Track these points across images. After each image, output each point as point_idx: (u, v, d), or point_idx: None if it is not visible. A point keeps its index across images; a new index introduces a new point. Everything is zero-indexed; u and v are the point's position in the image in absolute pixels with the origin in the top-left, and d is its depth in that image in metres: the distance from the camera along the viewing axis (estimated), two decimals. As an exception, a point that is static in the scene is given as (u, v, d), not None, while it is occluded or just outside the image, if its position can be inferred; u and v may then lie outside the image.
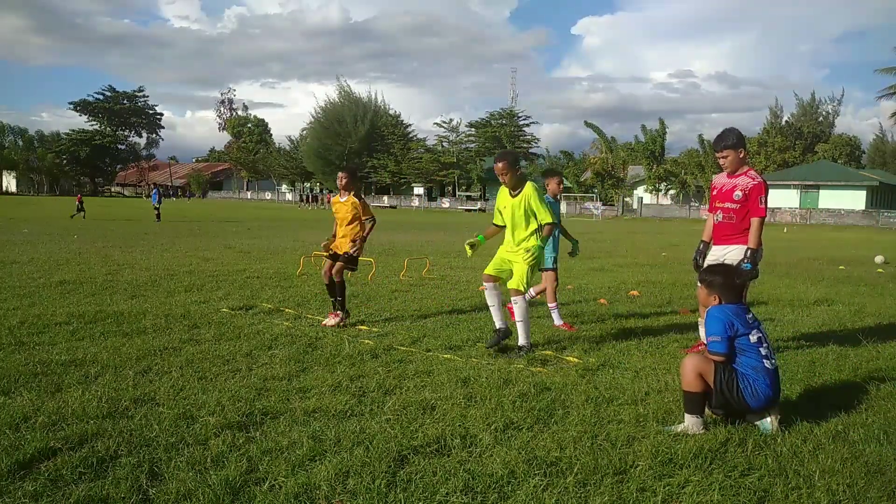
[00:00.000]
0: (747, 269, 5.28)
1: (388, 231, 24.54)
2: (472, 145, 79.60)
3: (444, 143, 76.72)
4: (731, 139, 5.51)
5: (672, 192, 65.23)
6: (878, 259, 16.33)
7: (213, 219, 33.24)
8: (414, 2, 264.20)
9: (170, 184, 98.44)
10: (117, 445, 3.52)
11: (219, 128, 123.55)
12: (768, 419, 3.92)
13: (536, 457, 3.48)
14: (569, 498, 3.07)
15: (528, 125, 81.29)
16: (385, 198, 78.61)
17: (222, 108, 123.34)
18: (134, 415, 4.01)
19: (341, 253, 7.20)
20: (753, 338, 3.98)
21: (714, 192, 5.75)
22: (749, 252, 5.38)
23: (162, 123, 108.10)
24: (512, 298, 5.95)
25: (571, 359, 5.63)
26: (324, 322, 6.98)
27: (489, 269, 6.06)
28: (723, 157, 5.56)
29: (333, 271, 7.14)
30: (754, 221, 5.42)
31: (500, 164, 5.99)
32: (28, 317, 6.85)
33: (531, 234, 5.95)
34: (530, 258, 5.88)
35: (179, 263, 12.14)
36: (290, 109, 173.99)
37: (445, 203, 72.98)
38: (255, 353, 5.61)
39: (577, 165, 71.14)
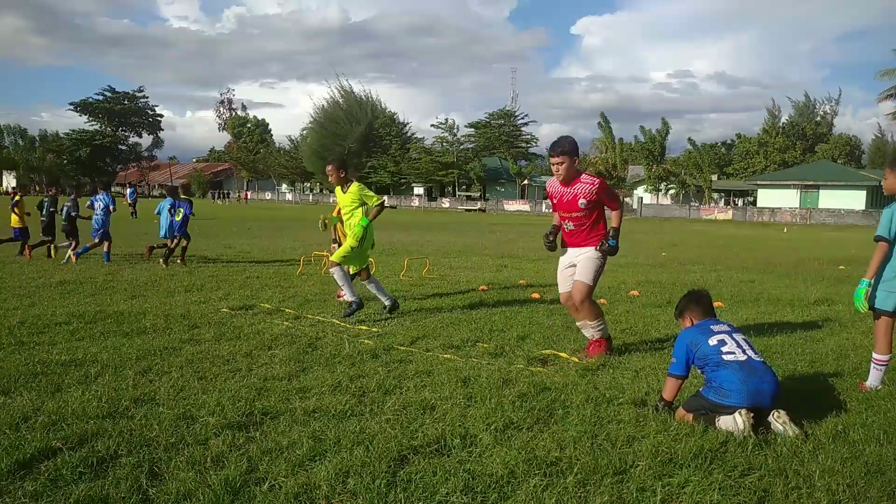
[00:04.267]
0: (612, 245, 5.59)
1: (388, 231, 24.54)
2: (472, 145, 79.48)
3: (444, 143, 76.60)
4: (566, 146, 5.60)
5: (672, 191, 65.20)
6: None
7: (213, 218, 33.20)
8: (413, 2, 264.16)
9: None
10: (117, 445, 3.53)
11: (218, 128, 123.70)
12: (779, 422, 3.88)
13: (536, 457, 3.48)
14: (569, 498, 3.07)
15: (525, 125, 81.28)
16: (385, 198, 78.13)
17: (221, 108, 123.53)
18: (134, 415, 4.01)
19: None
20: (713, 341, 4.16)
21: (554, 201, 5.83)
22: (612, 230, 5.65)
23: (162, 124, 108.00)
24: (330, 269, 7.25)
25: (572, 358, 5.63)
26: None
27: (353, 271, 7.53)
28: (558, 164, 5.62)
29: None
30: (614, 214, 5.71)
31: (329, 168, 7.49)
32: (28, 317, 6.86)
33: (359, 219, 7.39)
34: (355, 237, 7.29)
35: (179, 263, 12.13)
36: (289, 109, 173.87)
37: (445, 203, 72.80)
38: (255, 353, 5.61)
39: (578, 165, 71.05)
